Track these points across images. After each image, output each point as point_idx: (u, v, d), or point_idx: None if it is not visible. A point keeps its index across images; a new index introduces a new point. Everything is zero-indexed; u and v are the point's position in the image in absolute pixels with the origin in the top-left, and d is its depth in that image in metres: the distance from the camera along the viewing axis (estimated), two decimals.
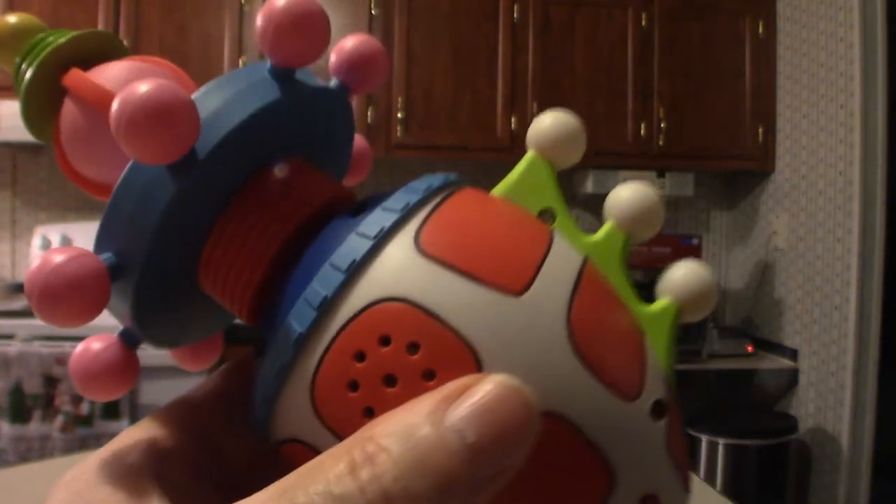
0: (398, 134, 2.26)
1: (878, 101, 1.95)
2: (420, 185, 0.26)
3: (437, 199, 0.26)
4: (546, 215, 0.28)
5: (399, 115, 2.26)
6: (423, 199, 0.26)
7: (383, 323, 0.23)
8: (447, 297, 0.23)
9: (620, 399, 0.23)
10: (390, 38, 2.27)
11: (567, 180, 2.62)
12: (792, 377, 2.21)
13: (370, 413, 0.22)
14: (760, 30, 2.37)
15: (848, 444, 1.97)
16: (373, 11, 2.26)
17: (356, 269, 0.24)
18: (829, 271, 2.08)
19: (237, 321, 0.30)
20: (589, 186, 2.33)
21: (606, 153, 2.33)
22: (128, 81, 0.27)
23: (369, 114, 2.26)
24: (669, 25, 2.34)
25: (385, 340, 0.22)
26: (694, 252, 2.22)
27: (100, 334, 0.27)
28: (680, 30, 2.35)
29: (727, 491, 1.99)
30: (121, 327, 0.28)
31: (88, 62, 0.30)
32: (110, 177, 0.28)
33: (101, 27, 2.20)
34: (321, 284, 0.24)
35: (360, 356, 0.23)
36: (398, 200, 0.26)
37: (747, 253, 2.59)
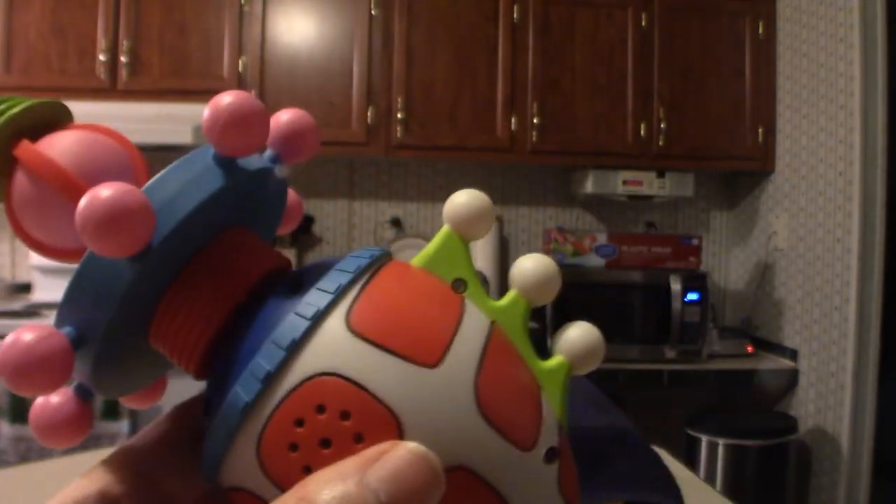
0: (398, 134, 2.26)
1: (878, 101, 1.95)
2: (350, 264, 0.30)
3: (365, 278, 0.29)
4: (459, 284, 0.32)
5: (399, 115, 2.26)
6: (352, 279, 0.29)
7: (319, 394, 0.26)
8: (373, 371, 0.27)
9: (519, 449, 0.27)
10: (390, 39, 2.27)
11: (567, 180, 2.62)
12: (792, 377, 2.21)
13: (308, 470, 0.26)
14: (760, 30, 2.37)
15: (848, 445, 1.97)
16: (373, 11, 2.26)
17: (295, 347, 0.27)
18: (829, 271, 2.08)
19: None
20: (589, 186, 2.34)
21: (606, 153, 2.33)
22: (77, 154, 0.31)
23: (369, 114, 2.26)
24: (669, 25, 2.34)
25: (321, 409, 0.26)
26: (694, 252, 2.22)
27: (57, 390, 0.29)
28: (680, 30, 2.35)
29: (727, 491, 2.00)
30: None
31: (37, 131, 0.32)
32: (59, 241, 0.32)
33: (100, 26, 2.20)
34: (265, 359, 0.27)
35: (300, 422, 0.26)
36: (331, 281, 0.29)
37: (747, 253, 2.59)
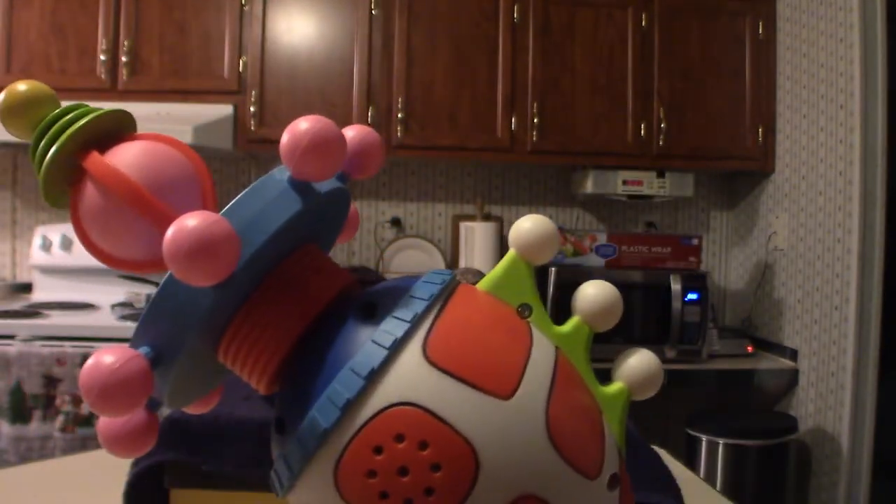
0: (398, 134, 2.26)
1: (878, 101, 1.95)
2: (424, 291, 0.31)
3: (439, 306, 0.31)
4: (524, 309, 0.33)
5: (399, 115, 2.26)
6: (427, 307, 0.30)
7: (398, 424, 0.27)
8: (451, 402, 0.28)
9: (586, 478, 0.29)
10: (390, 38, 2.27)
11: (567, 180, 2.62)
12: (792, 377, 2.21)
13: (385, 496, 0.27)
14: (760, 30, 2.37)
15: (848, 444, 1.97)
16: (373, 11, 2.26)
17: (374, 376, 0.28)
18: (829, 271, 2.08)
19: None
20: (589, 186, 2.34)
21: (606, 153, 2.33)
22: (145, 167, 0.31)
23: (369, 114, 2.26)
24: (669, 25, 2.34)
25: (399, 438, 0.27)
26: (694, 252, 2.22)
27: None
28: (680, 30, 2.35)
29: (727, 491, 2.00)
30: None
31: (103, 140, 0.32)
32: (127, 253, 0.32)
33: (101, 27, 2.20)
34: (343, 386, 0.28)
35: (378, 450, 0.27)
36: (407, 310, 0.30)
37: (747, 253, 2.59)
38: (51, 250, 2.32)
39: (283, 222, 0.29)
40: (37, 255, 2.33)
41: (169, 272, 0.28)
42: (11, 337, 1.85)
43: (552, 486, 0.28)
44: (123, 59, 2.20)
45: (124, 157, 0.31)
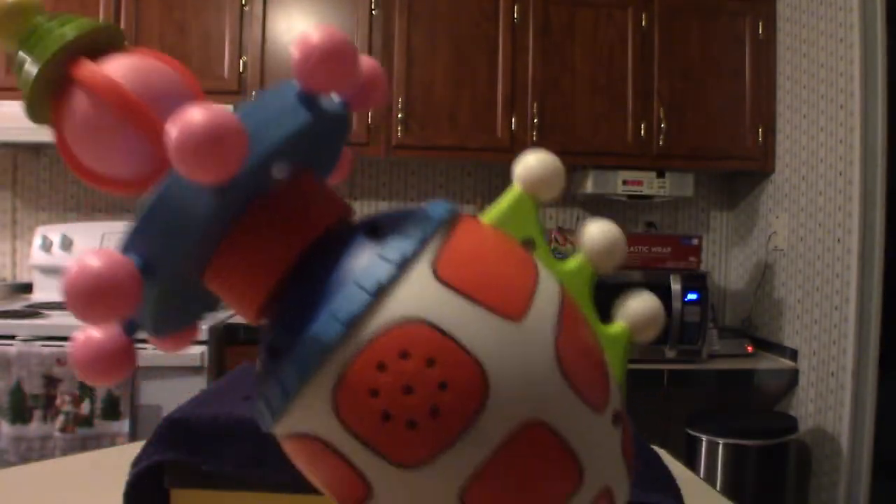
0: (398, 134, 2.26)
1: (878, 101, 1.95)
2: (430, 213, 0.30)
3: (446, 228, 0.29)
4: (528, 244, 0.32)
5: (399, 115, 2.26)
6: (436, 228, 0.29)
7: (404, 340, 0.26)
8: (460, 320, 0.26)
9: (593, 411, 0.28)
10: (390, 38, 2.27)
11: (567, 181, 2.62)
12: (792, 377, 2.21)
13: (388, 417, 0.26)
14: (760, 30, 2.37)
15: (848, 444, 1.97)
16: (373, 11, 2.26)
17: (381, 291, 0.26)
18: (829, 271, 2.08)
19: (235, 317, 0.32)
20: (589, 186, 2.34)
21: (606, 153, 2.33)
22: (139, 79, 0.29)
23: (369, 114, 2.26)
24: (669, 25, 2.34)
25: (405, 355, 0.26)
26: (694, 252, 2.22)
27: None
28: (680, 30, 2.35)
29: (727, 491, 2.00)
30: None
31: (92, 53, 0.30)
32: (115, 171, 0.30)
33: None
34: (348, 302, 0.26)
35: (382, 367, 0.26)
36: (415, 228, 0.29)
37: (747, 253, 2.59)
38: (51, 250, 2.32)
39: (291, 132, 0.28)
40: (37, 255, 2.33)
41: (167, 177, 0.26)
42: (11, 337, 1.85)
43: (560, 415, 0.27)
44: None
45: (116, 68, 0.29)
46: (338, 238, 0.30)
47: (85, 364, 0.26)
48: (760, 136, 2.38)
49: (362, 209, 2.60)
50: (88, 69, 0.28)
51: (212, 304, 0.34)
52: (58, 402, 1.80)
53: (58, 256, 2.32)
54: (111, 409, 1.81)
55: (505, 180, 2.63)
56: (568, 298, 0.30)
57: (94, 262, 0.24)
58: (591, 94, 2.33)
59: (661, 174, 2.33)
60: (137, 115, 0.28)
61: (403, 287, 0.27)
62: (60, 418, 1.79)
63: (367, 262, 0.27)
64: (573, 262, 0.32)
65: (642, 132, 2.33)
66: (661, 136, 2.34)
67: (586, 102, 2.32)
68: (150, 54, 0.31)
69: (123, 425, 1.79)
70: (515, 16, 2.30)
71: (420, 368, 0.25)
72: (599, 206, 2.66)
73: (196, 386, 1.83)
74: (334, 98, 0.31)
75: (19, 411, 1.80)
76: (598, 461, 0.28)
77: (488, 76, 2.30)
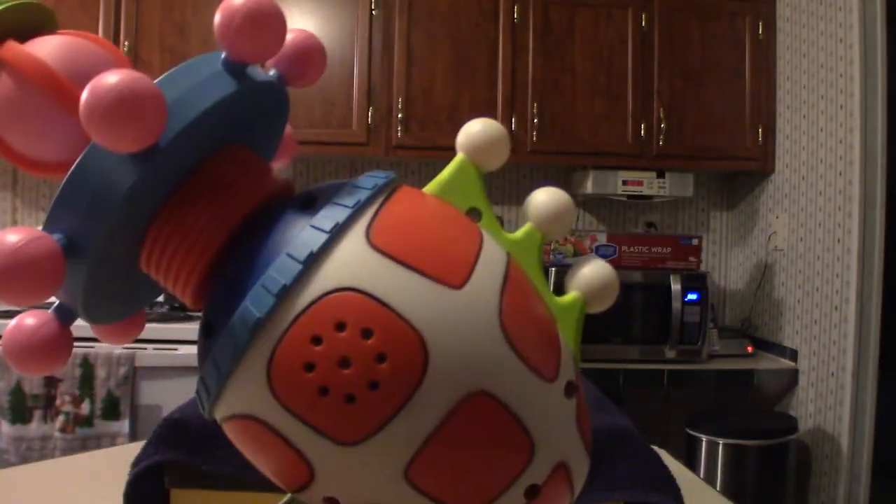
0: (398, 134, 2.26)
1: (878, 101, 1.95)
2: (366, 182, 0.28)
3: (383, 197, 0.28)
4: (473, 214, 0.31)
5: (399, 115, 2.26)
6: (371, 196, 0.27)
7: (339, 310, 0.25)
8: (397, 288, 0.25)
9: (542, 380, 0.27)
10: (390, 38, 2.27)
11: (567, 180, 2.62)
12: (792, 377, 2.21)
13: (325, 392, 0.24)
14: (760, 30, 2.37)
15: (848, 444, 1.97)
16: (373, 11, 2.26)
17: (313, 260, 0.25)
18: (828, 271, 2.08)
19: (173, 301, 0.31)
20: (589, 186, 2.34)
21: (606, 153, 2.33)
22: (67, 59, 0.28)
23: (369, 114, 2.26)
24: (669, 25, 2.34)
25: (340, 326, 0.24)
26: (694, 252, 2.22)
27: (33, 310, 0.26)
28: (680, 30, 2.35)
29: (727, 491, 2.00)
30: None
31: (22, 34, 0.29)
32: (45, 153, 0.29)
33: (101, 26, 2.20)
34: (279, 273, 0.25)
35: (317, 340, 0.24)
36: (349, 196, 0.27)
37: (747, 253, 2.59)
38: None
39: (216, 101, 0.27)
40: None
41: (88, 146, 0.25)
42: None
43: (506, 384, 0.25)
44: None
45: (43, 48, 0.28)
46: (273, 212, 0.28)
47: (15, 351, 0.25)
48: (760, 136, 2.38)
49: None
50: (12, 49, 0.27)
51: (151, 291, 0.33)
52: (58, 402, 1.80)
53: None
54: (111, 410, 1.81)
55: (505, 180, 2.63)
56: (515, 267, 0.29)
57: (12, 237, 0.23)
58: (591, 94, 2.33)
59: (661, 174, 2.33)
60: (64, 94, 0.27)
61: (336, 255, 0.25)
62: (60, 418, 1.79)
63: (299, 232, 0.26)
64: (520, 232, 0.31)
65: (642, 132, 2.33)
66: (661, 136, 2.34)
67: (586, 102, 2.32)
68: (81, 35, 0.30)
69: (123, 425, 1.79)
70: (515, 16, 2.30)
71: (356, 340, 0.24)
72: (599, 206, 2.66)
73: (196, 386, 1.83)
74: (269, 70, 0.30)
75: (19, 411, 1.80)
76: (551, 434, 0.26)
77: (488, 76, 2.30)
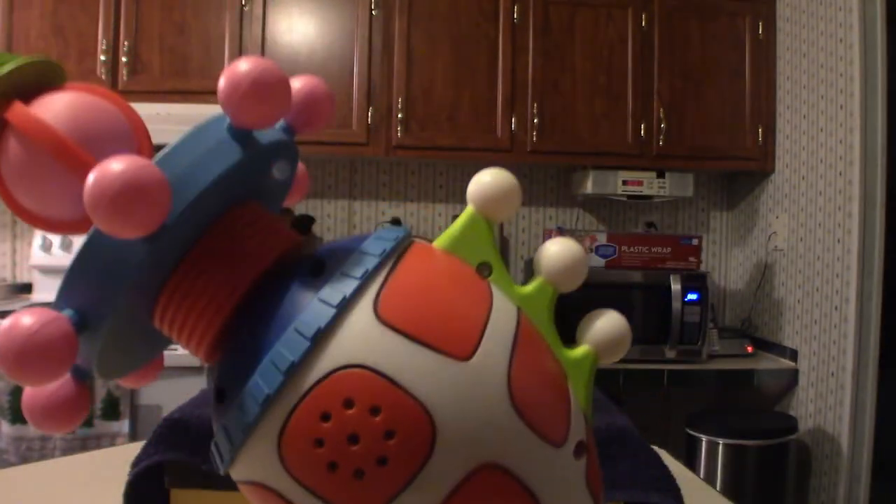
0: (398, 134, 2.26)
1: (878, 101, 1.95)
2: (375, 247, 0.28)
3: (391, 262, 0.28)
4: (483, 268, 0.30)
5: (399, 115, 2.26)
6: (378, 264, 0.27)
7: (347, 388, 0.25)
8: (404, 364, 0.25)
9: (551, 446, 0.27)
10: (390, 39, 2.27)
11: (567, 180, 2.62)
12: (792, 377, 2.21)
13: (334, 467, 0.25)
14: (760, 30, 2.37)
15: (848, 444, 1.97)
16: (373, 11, 2.26)
17: (321, 337, 0.25)
18: (828, 271, 2.08)
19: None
20: (589, 187, 2.34)
21: (606, 153, 2.33)
22: (73, 119, 0.28)
23: (369, 114, 2.26)
24: (669, 26, 2.34)
25: (349, 403, 0.25)
26: (694, 252, 2.22)
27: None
28: (680, 30, 2.35)
29: (727, 491, 2.00)
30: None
31: (28, 91, 0.29)
32: (55, 213, 0.29)
33: (101, 27, 2.20)
34: (287, 349, 0.25)
35: (326, 417, 0.25)
36: (357, 266, 0.27)
37: (747, 253, 2.59)
38: (51, 250, 2.32)
39: (220, 173, 0.27)
40: (37, 256, 2.33)
41: (94, 228, 0.25)
42: None
43: (515, 455, 0.26)
44: (123, 59, 2.20)
45: (50, 108, 0.28)
46: (282, 276, 0.29)
47: (35, 414, 0.26)
48: (760, 136, 2.38)
49: (362, 209, 2.60)
50: (18, 111, 0.28)
51: (165, 342, 0.33)
52: None
53: (58, 257, 2.32)
54: (111, 410, 1.81)
55: None
56: (525, 326, 0.29)
57: (26, 321, 0.23)
58: (591, 94, 2.33)
59: (661, 174, 2.33)
60: (69, 157, 0.27)
61: (344, 331, 0.26)
62: None
63: (307, 306, 0.26)
64: (532, 286, 0.30)
65: (642, 132, 2.33)
66: (661, 137, 2.34)
67: (586, 102, 2.33)
68: (90, 90, 0.30)
69: (123, 425, 1.79)
70: (515, 16, 2.30)
71: (364, 417, 0.24)
72: (599, 206, 2.66)
73: (196, 386, 1.83)
74: (275, 125, 0.30)
75: (19, 411, 1.80)
76: (560, 498, 0.27)
77: (488, 76, 2.29)
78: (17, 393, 1.79)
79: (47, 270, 2.36)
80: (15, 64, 0.28)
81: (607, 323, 0.30)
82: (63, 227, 0.30)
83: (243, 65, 0.26)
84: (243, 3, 2.25)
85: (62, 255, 2.32)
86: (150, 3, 2.22)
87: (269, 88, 0.26)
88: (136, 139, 0.30)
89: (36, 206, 0.29)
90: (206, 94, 2.23)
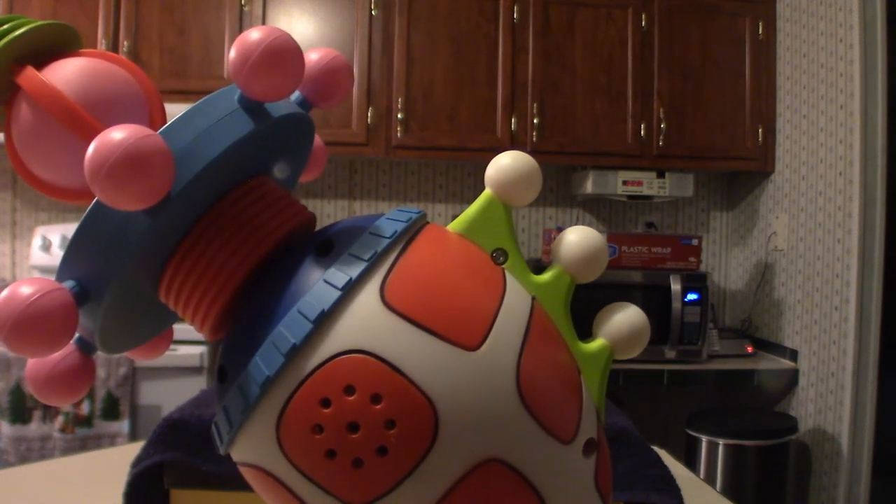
0: (398, 134, 2.26)
1: (878, 101, 1.95)
2: (386, 228, 0.27)
3: (402, 245, 0.27)
4: (499, 254, 0.29)
5: (399, 115, 2.26)
6: (388, 245, 0.26)
7: (349, 373, 0.24)
8: (409, 351, 0.24)
9: (559, 443, 0.26)
10: (390, 38, 2.27)
11: (567, 180, 2.62)
12: (792, 377, 2.21)
13: (332, 455, 0.24)
14: (760, 30, 2.37)
15: (848, 444, 1.97)
16: (373, 11, 2.26)
17: (324, 320, 0.24)
18: (828, 271, 2.08)
19: None
20: (589, 187, 2.34)
21: (606, 153, 2.33)
22: (85, 84, 0.27)
23: (369, 114, 2.26)
24: (669, 25, 2.34)
25: (350, 390, 0.24)
26: (694, 252, 2.22)
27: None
28: (680, 30, 2.35)
29: (727, 491, 1.99)
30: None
31: (42, 56, 0.28)
32: (64, 180, 0.28)
33: (101, 27, 2.20)
34: (289, 330, 0.24)
35: (326, 402, 0.24)
36: (365, 247, 0.26)
37: (747, 253, 2.59)
38: (50, 250, 2.32)
39: (228, 145, 0.26)
40: (37, 255, 2.33)
41: (97, 199, 0.24)
42: None
43: (521, 450, 0.25)
44: None
45: (61, 74, 0.28)
46: (291, 254, 0.28)
47: (38, 384, 0.25)
48: (760, 136, 2.38)
49: (362, 209, 2.60)
50: (29, 77, 0.27)
51: (172, 317, 0.32)
52: None
53: (57, 257, 2.32)
54: (111, 410, 1.81)
55: None
56: (539, 316, 0.27)
57: (25, 290, 0.23)
58: (591, 94, 2.33)
59: (661, 174, 2.33)
60: (77, 123, 0.26)
61: (348, 315, 0.25)
62: (60, 419, 1.79)
63: (311, 287, 0.25)
64: (548, 274, 0.29)
65: (642, 132, 2.33)
66: (661, 137, 2.34)
67: (586, 102, 2.32)
68: (105, 56, 0.29)
69: (123, 425, 1.79)
70: (515, 16, 2.30)
71: (365, 404, 0.24)
72: (599, 206, 2.66)
73: (196, 386, 1.83)
74: (290, 98, 0.29)
75: (19, 411, 1.80)
76: (566, 496, 0.26)
77: (488, 76, 2.29)
78: (16, 393, 1.79)
79: (47, 270, 2.36)
80: (29, 27, 0.27)
81: (626, 317, 0.29)
82: (71, 195, 0.29)
83: (255, 34, 0.25)
84: (243, 3, 2.25)
85: (62, 255, 2.32)
86: (150, 4, 2.22)
87: (280, 58, 0.25)
88: (150, 108, 0.29)
89: (45, 174, 0.29)
90: (206, 94, 2.22)
